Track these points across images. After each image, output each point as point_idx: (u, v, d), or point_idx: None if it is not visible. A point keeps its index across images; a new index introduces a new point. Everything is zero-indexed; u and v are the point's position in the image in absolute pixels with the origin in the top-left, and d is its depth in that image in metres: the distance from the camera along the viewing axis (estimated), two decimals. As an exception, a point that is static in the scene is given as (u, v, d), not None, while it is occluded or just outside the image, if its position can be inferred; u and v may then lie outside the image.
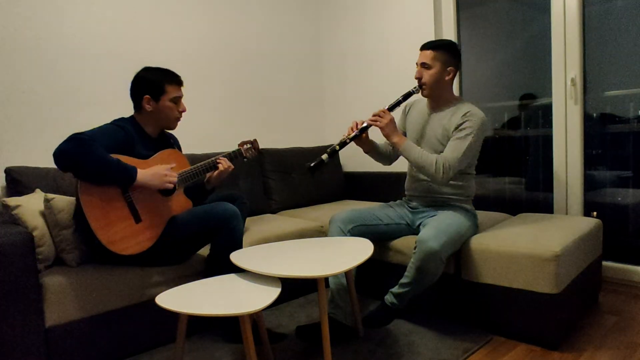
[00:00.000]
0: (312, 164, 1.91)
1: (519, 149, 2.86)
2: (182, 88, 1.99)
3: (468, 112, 1.95)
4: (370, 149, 2.15)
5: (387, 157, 2.24)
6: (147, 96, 1.90)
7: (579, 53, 2.47)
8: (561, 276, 1.74)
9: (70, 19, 2.39)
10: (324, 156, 1.92)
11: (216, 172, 2.08)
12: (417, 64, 2.04)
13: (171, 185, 1.83)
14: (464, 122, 1.94)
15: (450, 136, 1.97)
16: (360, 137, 2.02)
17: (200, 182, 2.15)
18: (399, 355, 1.76)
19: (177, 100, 1.96)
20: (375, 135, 2.23)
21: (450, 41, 2.05)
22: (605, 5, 2.43)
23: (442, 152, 1.98)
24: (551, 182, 2.64)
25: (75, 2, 2.41)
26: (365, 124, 1.99)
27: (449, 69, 2.00)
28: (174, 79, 1.96)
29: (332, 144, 1.98)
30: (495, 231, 2.03)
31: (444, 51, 1.99)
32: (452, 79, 2.04)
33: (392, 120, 1.97)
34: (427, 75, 2.00)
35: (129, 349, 1.84)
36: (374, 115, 1.98)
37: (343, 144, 1.96)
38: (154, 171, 1.80)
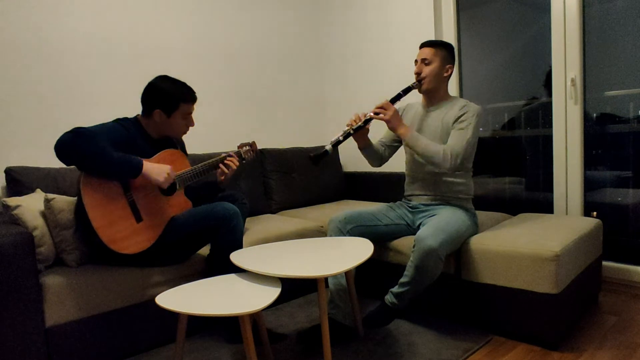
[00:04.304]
0: (315, 154, 1.92)
1: (519, 149, 2.86)
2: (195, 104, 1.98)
3: (465, 105, 2.05)
4: (366, 145, 2.16)
5: (379, 157, 2.24)
6: (159, 110, 1.90)
7: (579, 53, 2.47)
8: (561, 276, 1.74)
9: (70, 19, 2.39)
10: (328, 147, 1.93)
11: (228, 171, 2.08)
12: (416, 60, 2.10)
13: (167, 185, 1.81)
14: (463, 114, 2.01)
15: (450, 129, 2.03)
16: (363, 129, 2.03)
17: (213, 181, 2.16)
18: (399, 355, 1.76)
19: (187, 116, 1.96)
20: (377, 128, 2.23)
21: (448, 42, 2.13)
22: (605, 5, 2.43)
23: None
24: (551, 182, 2.64)
25: (76, 1, 2.41)
26: (369, 116, 2.00)
27: (447, 66, 2.09)
28: (189, 97, 1.94)
29: (336, 136, 1.98)
30: (495, 231, 2.03)
31: (443, 49, 2.09)
32: (449, 77, 2.12)
33: (396, 112, 2.01)
34: (427, 70, 2.07)
35: (129, 349, 1.84)
36: (377, 107, 2.00)
37: (347, 135, 1.98)
38: (160, 167, 1.80)
